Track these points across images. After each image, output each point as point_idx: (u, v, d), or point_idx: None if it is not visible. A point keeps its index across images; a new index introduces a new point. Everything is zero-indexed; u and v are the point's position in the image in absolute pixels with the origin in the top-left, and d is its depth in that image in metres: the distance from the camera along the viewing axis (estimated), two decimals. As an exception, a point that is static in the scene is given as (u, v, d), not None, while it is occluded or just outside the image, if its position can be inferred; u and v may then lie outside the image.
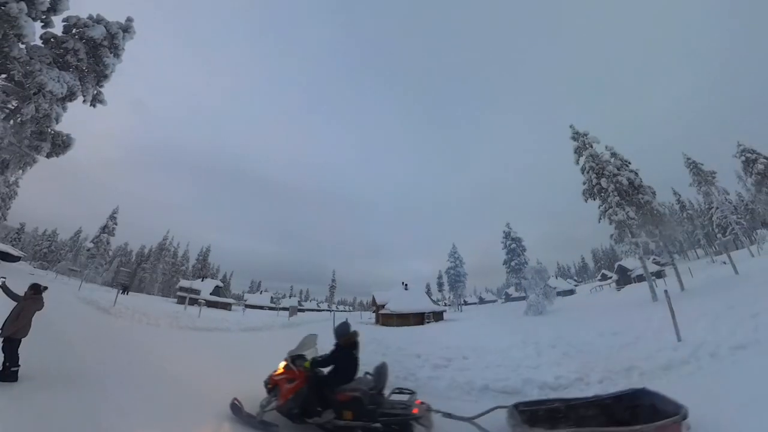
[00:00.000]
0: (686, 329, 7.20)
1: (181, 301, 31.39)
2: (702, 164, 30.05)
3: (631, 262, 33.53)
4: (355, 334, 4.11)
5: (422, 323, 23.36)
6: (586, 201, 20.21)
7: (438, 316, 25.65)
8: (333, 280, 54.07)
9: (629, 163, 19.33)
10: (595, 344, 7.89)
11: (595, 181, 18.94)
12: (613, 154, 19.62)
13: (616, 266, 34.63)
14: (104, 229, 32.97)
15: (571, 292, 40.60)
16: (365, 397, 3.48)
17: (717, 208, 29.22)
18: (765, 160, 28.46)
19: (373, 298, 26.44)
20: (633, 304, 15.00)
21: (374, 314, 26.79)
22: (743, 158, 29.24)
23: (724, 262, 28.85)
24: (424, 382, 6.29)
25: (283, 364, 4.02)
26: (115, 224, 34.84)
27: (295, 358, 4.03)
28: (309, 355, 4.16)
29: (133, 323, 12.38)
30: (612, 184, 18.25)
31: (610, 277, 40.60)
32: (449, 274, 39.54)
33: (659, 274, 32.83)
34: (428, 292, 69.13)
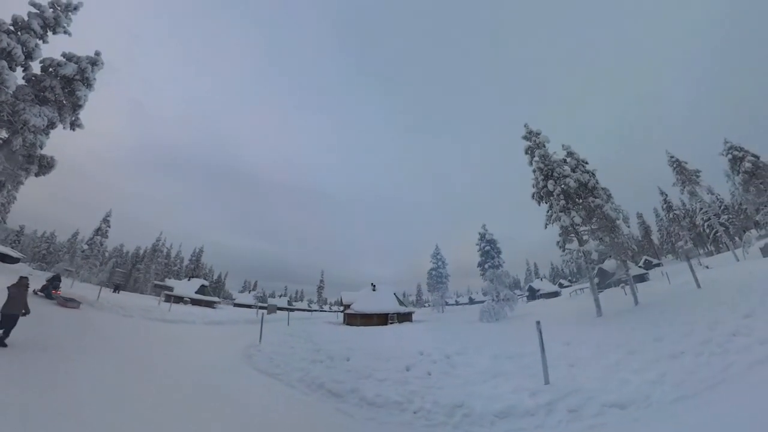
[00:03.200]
0: (576, 368, 6.78)
1: (168, 298, 35.62)
2: (686, 162, 30.67)
3: (611, 265, 34.67)
4: (57, 276, 15.68)
5: (386, 324, 26.05)
6: (539, 204, 19.63)
7: (404, 318, 28.23)
8: (321, 281, 57.87)
9: (586, 162, 19.10)
10: (476, 366, 8.00)
11: (542, 183, 18.90)
12: (570, 154, 19.47)
13: (596, 269, 35.83)
14: (98, 231, 37.44)
15: (556, 294, 42.03)
16: (49, 286, 14.41)
17: (701, 209, 29.92)
18: (752, 158, 28.87)
19: (341, 299, 29.33)
20: (577, 318, 15.61)
21: (342, 314, 29.71)
22: (730, 156, 29.68)
23: (707, 267, 29.74)
24: (287, 369, 8.48)
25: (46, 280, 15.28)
26: (108, 227, 39.28)
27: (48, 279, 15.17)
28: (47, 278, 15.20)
29: (110, 314, 16.15)
30: (559, 186, 18.01)
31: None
32: (431, 275, 41.79)
33: (643, 278, 34.01)
34: (419, 293, 72.13)
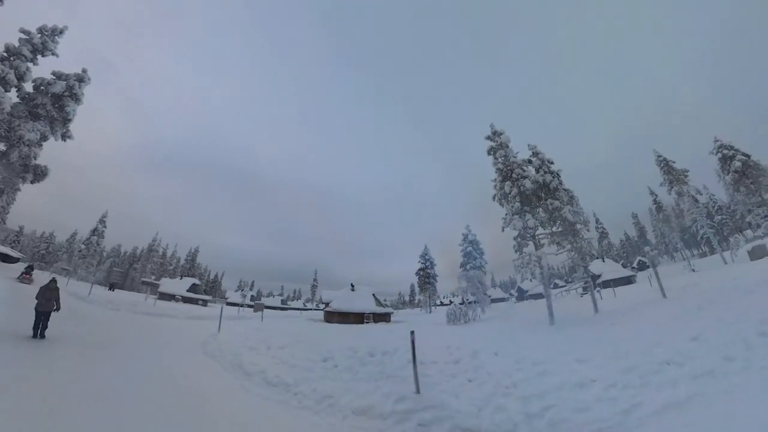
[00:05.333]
0: (473, 383, 6.85)
1: (161, 296, 38.88)
2: (674, 162, 31.25)
3: (597, 267, 35.68)
4: (30, 266, 22.39)
5: (362, 323, 28.23)
6: (501, 206, 19.78)
7: (380, 318, 30.32)
8: (314, 280, 60.77)
9: (552, 162, 19.17)
10: (384, 366, 8.52)
11: (500, 185, 19.27)
12: (535, 154, 19.65)
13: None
14: (94, 231, 40.98)
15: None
16: (23, 272, 21.52)
17: (688, 210, 30.66)
18: (743, 157, 29.30)
19: (320, 297, 31.65)
20: (532, 324, 16.09)
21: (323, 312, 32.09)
22: (720, 155, 30.21)
23: (693, 269, 30.52)
24: (225, 354, 10.62)
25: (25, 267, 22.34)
26: (105, 227, 42.83)
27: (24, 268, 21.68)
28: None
29: (99, 307, 19.00)
30: (515, 188, 18.29)
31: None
32: (419, 275, 43.62)
33: (629, 280, 34.96)
34: (413, 292, 74.20)
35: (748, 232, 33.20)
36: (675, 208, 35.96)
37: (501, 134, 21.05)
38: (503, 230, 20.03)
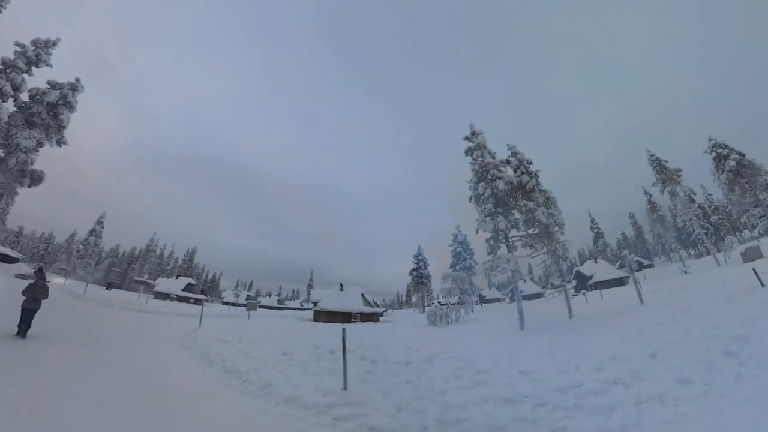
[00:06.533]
0: (410, 384, 7.19)
1: (157, 296, 40.86)
2: (666, 161, 31.54)
3: (590, 268, 36.19)
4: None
5: (349, 322, 29.50)
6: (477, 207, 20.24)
7: (368, 317, 31.54)
8: (311, 280, 62.64)
9: (530, 163, 19.37)
10: (335, 363, 8.54)
11: (474, 186, 19.51)
12: (513, 154, 19.82)
13: (574, 272, 37.40)
14: (92, 232, 43.07)
15: (539, 296, 43.88)
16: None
17: (681, 210, 31.03)
18: (737, 156, 29.50)
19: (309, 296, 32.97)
20: (504, 329, 16.22)
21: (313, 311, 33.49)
22: (714, 154, 30.45)
23: (686, 271, 30.85)
24: (198, 346, 11.86)
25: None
26: (102, 228, 44.93)
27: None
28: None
29: (94, 305, 20.62)
30: (489, 189, 18.40)
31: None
32: (413, 275, 44.59)
33: (621, 282, 35.43)
34: (408, 293, 75.32)
35: (746, 232, 33.32)
36: (672, 208, 36.25)
37: (479, 134, 21.10)
38: (477, 232, 20.03)
